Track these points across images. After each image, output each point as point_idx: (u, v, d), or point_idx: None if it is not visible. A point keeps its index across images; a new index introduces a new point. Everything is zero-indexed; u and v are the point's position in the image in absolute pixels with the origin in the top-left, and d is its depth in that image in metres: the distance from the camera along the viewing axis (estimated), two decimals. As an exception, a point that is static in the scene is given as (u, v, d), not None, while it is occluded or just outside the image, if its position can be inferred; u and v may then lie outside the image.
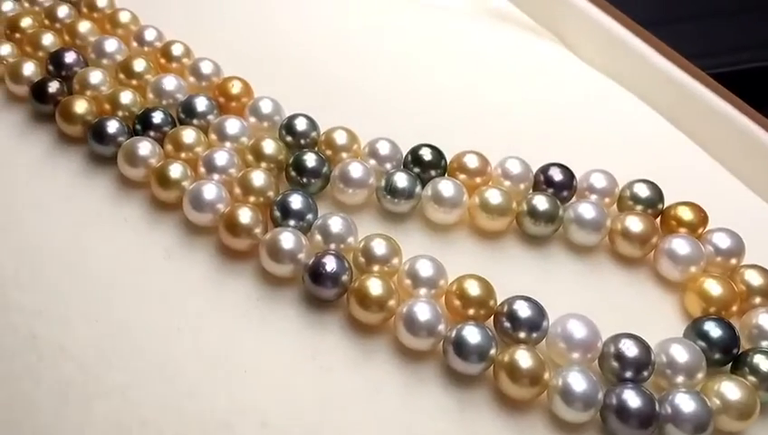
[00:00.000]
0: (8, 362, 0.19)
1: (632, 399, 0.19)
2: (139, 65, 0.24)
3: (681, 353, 0.20)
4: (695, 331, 0.21)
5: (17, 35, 0.25)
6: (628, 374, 0.20)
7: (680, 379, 0.20)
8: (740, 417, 0.19)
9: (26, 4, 0.26)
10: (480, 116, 0.26)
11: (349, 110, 0.25)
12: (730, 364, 0.21)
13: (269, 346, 0.19)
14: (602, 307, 0.22)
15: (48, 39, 0.25)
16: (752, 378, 0.20)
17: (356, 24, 0.28)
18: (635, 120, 0.28)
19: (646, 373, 0.20)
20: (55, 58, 0.24)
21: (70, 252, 0.20)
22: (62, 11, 0.26)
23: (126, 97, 0.23)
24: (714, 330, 0.21)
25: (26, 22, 0.25)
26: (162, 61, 0.25)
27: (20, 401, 0.18)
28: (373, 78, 0.27)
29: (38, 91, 0.23)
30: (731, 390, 0.19)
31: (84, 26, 0.25)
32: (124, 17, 0.26)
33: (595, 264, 0.23)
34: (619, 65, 0.30)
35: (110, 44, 0.25)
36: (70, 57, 0.24)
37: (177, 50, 0.25)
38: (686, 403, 0.19)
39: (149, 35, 0.25)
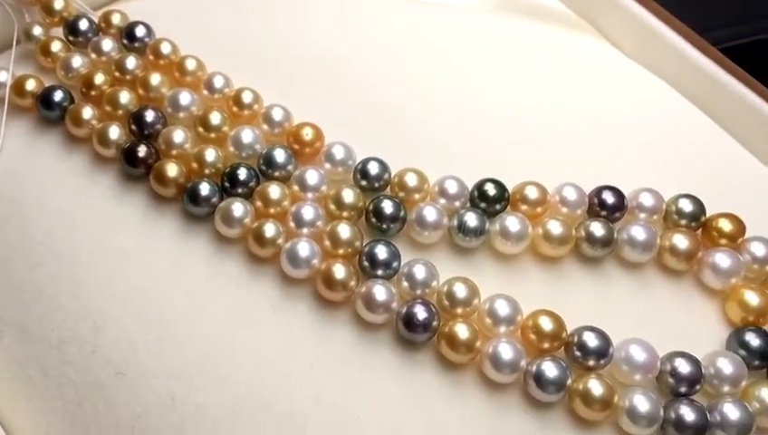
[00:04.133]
0: (155, 422, 0.22)
1: (688, 414, 0.22)
2: (215, 118, 0.26)
3: (727, 366, 0.23)
4: (736, 341, 0.24)
5: (93, 93, 0.26)
6: (683, 389, 0.23)
7: (726, 388, 0.23)
8: (778, 417, 0.23)
9: (93, 55, 0.27)
10: (531, 133, 0.28)
11: (401, 140, 0.27)
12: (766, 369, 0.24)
13: (375, 389, 0.22)
14: (653, 319, 0.25)
15: (125, 97, 0.26)
16: (787, 380, 0.23)
17: (396, 48, 0.30)
18: (683, 121, 0.30)
19: (698, 387, 0.23)
20: (137, 118, 0.25)
21: (188, 313, 0.23)
22: (131, 62, 0.27)
23: (210, 155, 0.25)
24: (753, 340, 0.24)
25: (100, 78, 0.26)
26: (235, 109, 0.26)
27: (173, 456, 0.21)
28: (425, 106, 0.28)
29: (129, 156, 0.25)
30: (769, 395, 0.23)
31: (156, 79, 0.26)
32: (191, 65, 0.27)
33: (645, 279, 0.26)
34: (657, 58, 0.31)
35: (185, 98, 0.26)
36: (150, 116, 0.25)
37: (247, 97, 0.26)
38: (732, 412, 0.22)
39: (218, 83, 0.27)
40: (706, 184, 0.27)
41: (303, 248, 0.23)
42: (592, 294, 0.25)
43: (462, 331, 0.23)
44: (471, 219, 0.25)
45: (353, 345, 0.23)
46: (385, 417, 0.22)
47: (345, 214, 0.24)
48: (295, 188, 0.25)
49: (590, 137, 0.28)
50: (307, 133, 0.26)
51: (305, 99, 0.27)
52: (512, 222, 0.25)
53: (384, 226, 0.25)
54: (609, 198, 0.26)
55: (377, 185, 0.25)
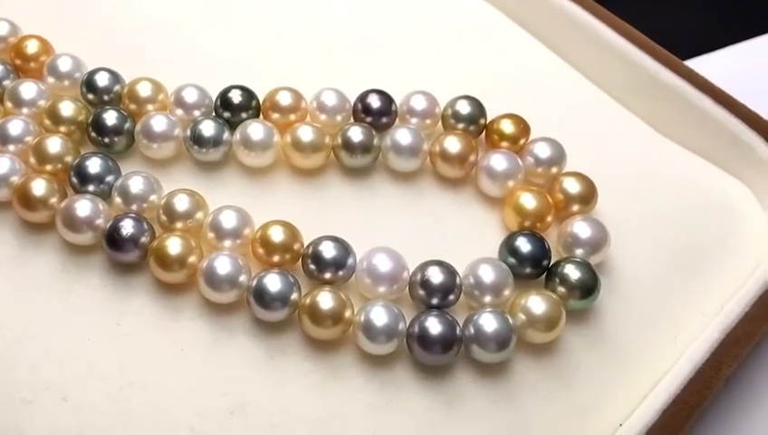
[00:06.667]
0: None
1: (434, 326, 0.19)
2: (-76, 35, 0.23)
3: (488, 273, 0.20)
4: (507, 248, 0.21)
5: None
6: (435, 301, 0.20)
7: (488, 298, 0.20)
8: (546, 329, 0.20)
9: None
10: (308, 45, 0.25)
11: (156, 58, 0.24)
12: (544, 276, 0.21)
13: (73, 318, 0.19)
14: (427, 232, 0.22)
15: None
16: (561, 289, 0.20)
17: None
18: (487, 27, 0.27)
19: (452, 297, 0.20)
20: None
21: None
22: None
23: None
24: (524, 245, 0.21)
25: None
26: (-48, 26, 0.23)
27: None
28: (179, 18, 0.25)
29: None
30: (536, 304, 0.20)
31: None
32: None
33: (419, 188, 0.23)
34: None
35: None
36: None
37: (-33, 12, 0.24)
38: (488, 323, 0.19)
39: (-63, -1, 0.24)
40: (500, 86, 0.25)
41: (1, 165, 0.21)
42: (358, 207, 0.22)
43: (173, 245, 0.20)
44: (206, 128, 0.22)
45: (56, 272, 0.20)
46: (80, 348, 0.19)
47: (63, 129, 0.22)
48: (8, 104, 0.22)
49: (371, 42, 0.25)
50: (29, 46, 0.23)
51: (44, 12, 0.25)
52: (255, 129, 0.22)
53: (107, 140, 0.22)
54: (374, 101, 0.23)
55: (106, 98, 0.22)
